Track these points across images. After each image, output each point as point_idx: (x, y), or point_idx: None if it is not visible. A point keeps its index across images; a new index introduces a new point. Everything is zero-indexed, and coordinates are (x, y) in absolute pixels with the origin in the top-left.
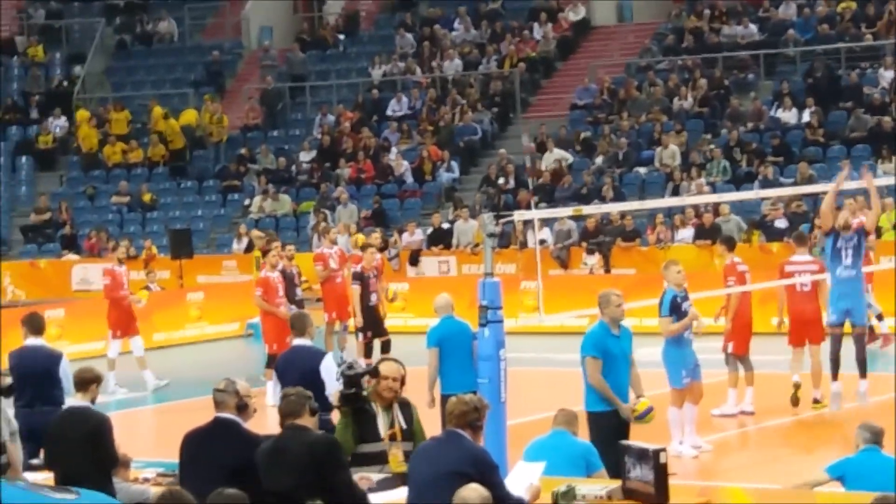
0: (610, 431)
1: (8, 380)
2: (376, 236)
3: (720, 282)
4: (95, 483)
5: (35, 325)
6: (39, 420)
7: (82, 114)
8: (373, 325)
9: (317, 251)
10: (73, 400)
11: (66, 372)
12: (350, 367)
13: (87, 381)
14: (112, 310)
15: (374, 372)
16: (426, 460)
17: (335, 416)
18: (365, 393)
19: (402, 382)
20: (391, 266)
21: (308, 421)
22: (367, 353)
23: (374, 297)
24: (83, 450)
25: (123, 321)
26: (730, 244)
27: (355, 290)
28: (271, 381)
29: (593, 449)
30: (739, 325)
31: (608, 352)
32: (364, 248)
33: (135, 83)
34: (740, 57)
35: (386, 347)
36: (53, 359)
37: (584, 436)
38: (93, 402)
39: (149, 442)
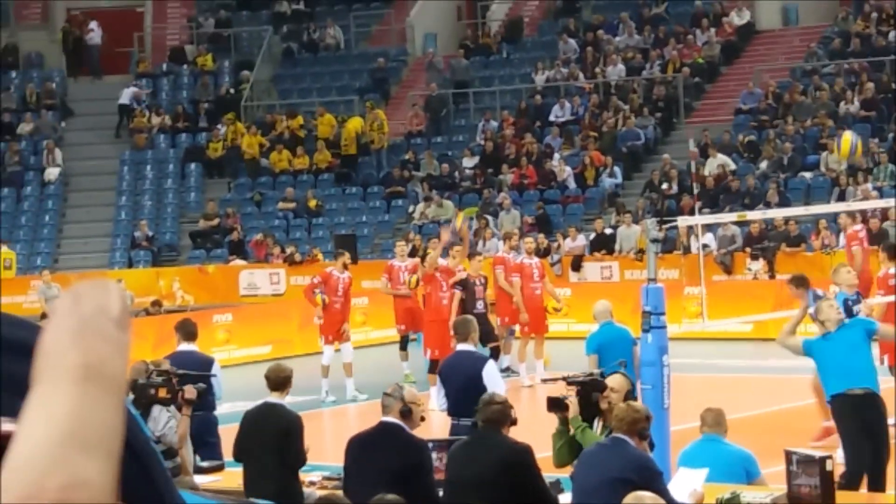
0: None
1: (194, 389)
2: (458, 249)
3: (890, 289)
4: (282, 479)
5: (188, 331)
6: (192, 425)
7: (239, 127)
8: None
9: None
10: (270, 397)
11: (218, 377)
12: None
13: (284, 381)
14: (324, 314)
15: (598, 385)
16: (591, 466)
17: None
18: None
19: (627, 397)
20: (553, 271)
21: (506, 430)
22: None
23: (479, 305)
24: (274, 446)
25: (334, 326)
26: (892, 252)
27: (457, 294)
28: (435, 386)
29: (752, 457)
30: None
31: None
32: (471, 256)
33: (301, 91)
34: None
35: (493, 355)
36: (206, 364)
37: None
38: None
39: (315, 445)
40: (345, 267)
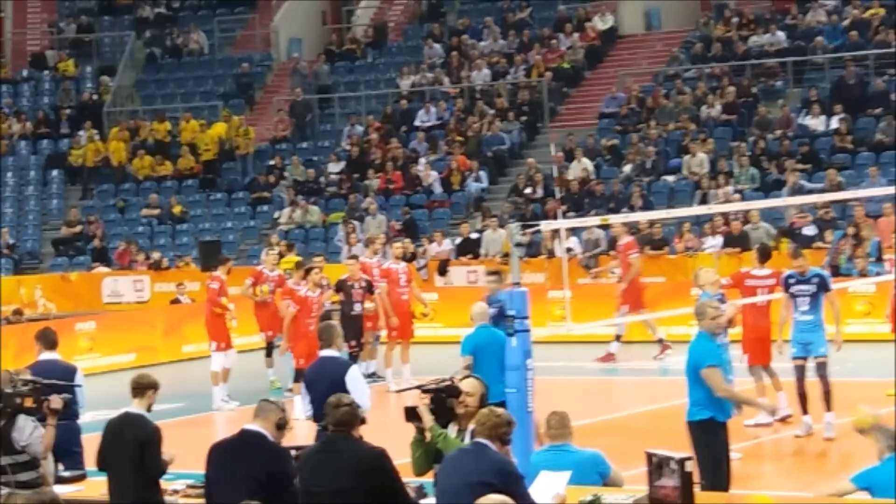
0: (714, 439)
1: (59, 399)
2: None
3: (747, 290)
4: (142, 489)
5: (49, 339)
6: (55, 435)
7: (91, 133)
8: (354, 335)
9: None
10: (130, 407)
11: (81, 386)
12: (435, 383)
13: (144, 388)
14: (213, 320)
15: (453, 391)
16: (453, 470)
17: None
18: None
19: (482, 402)
20: (420, 276)
21: (357, 431)
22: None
23: (357, 307)
24: (132, 456)
25: (224, 332)
26: (762, 254)
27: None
28: (299, 395)
29: (599, 455)
30: (752, 338)
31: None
32: (351, 257)
33: (165, 96)
34: (768, 64)
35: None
36: (68, 373)
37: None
38: (149, 408)
39: (178, 453)
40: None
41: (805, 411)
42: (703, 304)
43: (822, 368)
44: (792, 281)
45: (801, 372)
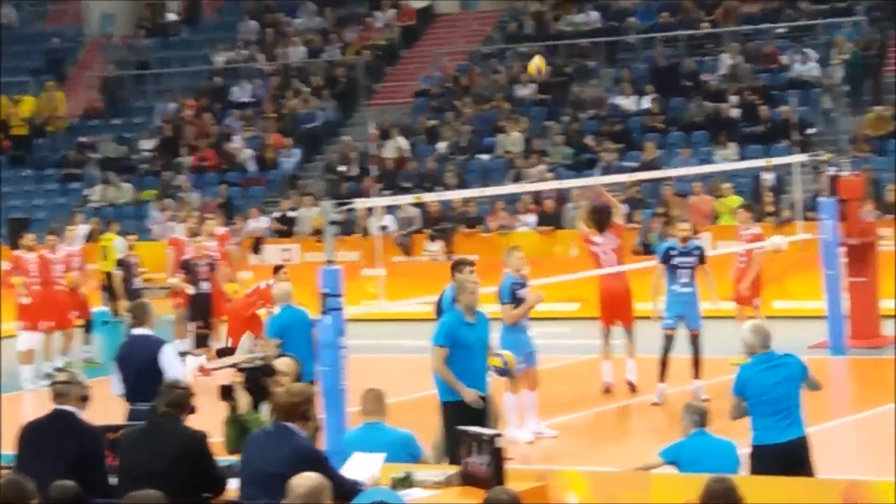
0: (462, 421)
1: None
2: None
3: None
4: None
5: None
6: None
7: None
8: (202, 314)
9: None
10: None
11: None
12: (249, 361)
13: None
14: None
15: (268, 370)
16: (255, 455)
17: None
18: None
19: (297, 378)
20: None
21: (185, 417)
22: (199, 343)
23: (203, 286)
24: None
25: (30, 311)
26: (599, 223)
27: (182, 277)
28: None
29: (412, 438)
30: (609, 298)
31: (460, 341)
32: (195, 235)
33: None
34: (582, 44)
35: (202, 341)
36: None
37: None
38: None
39: None
40: (30, 249)
41: (663, 379)
42: (463, 281)
43: (696, 340)
44: (674, 252)
45: (669, 342)
